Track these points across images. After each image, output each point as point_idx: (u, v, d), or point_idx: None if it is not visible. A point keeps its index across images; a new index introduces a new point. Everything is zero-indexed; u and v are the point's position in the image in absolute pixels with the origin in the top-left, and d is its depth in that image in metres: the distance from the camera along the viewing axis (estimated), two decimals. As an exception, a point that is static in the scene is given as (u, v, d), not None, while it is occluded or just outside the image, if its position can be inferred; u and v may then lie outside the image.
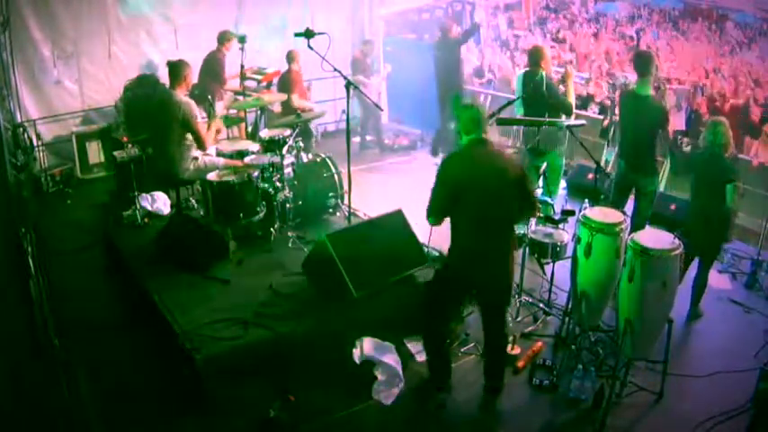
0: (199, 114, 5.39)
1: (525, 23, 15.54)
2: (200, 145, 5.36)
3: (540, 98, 5.68)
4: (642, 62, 5.18)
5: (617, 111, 5.78)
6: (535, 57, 5.88)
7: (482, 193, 3.59)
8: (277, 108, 7.55)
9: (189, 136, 5.32)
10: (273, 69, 7.84)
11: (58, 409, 3.35)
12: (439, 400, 3.98)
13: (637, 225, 5.46)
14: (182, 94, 5.30)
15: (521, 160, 5.79)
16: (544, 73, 5.77)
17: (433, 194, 3.70)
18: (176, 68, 5.31)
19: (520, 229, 4.81)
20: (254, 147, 5.87)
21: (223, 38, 7.44)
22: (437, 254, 4.86)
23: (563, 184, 7.43)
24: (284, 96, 7.15)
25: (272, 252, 5.25)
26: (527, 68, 5.99)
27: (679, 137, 7.72)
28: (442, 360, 4.09)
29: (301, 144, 5.98)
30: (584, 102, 9.16)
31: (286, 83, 7.38)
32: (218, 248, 5.10)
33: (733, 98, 8.69)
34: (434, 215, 3.72)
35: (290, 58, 7.42)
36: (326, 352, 4.13)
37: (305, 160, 5.93)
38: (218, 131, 5.71)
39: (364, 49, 8.82)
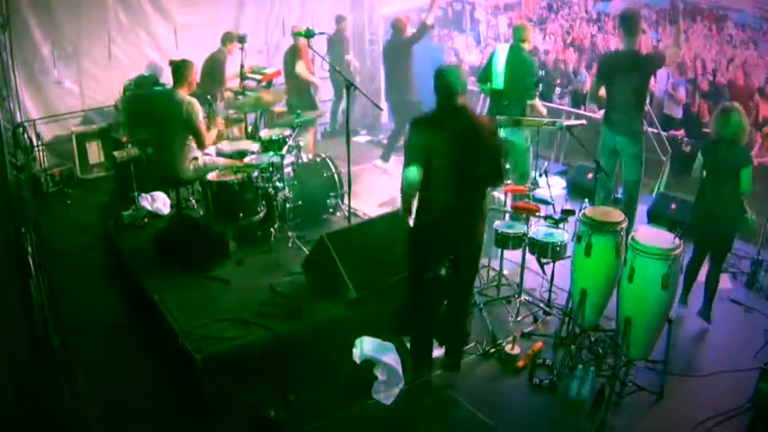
0: (201, 114, 5.39)
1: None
2: (201, 144, 5.37)
3: (521, 78, 5.79)
4: (629, 22, 5.20)
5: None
6: (520, 34, 5.93)
7: (452, 155, 3.58)
8: (278, 108, 7.57)
9: (190, 136, 5.32)
10: (273, 69, 7.85)
11: (58, 409, 3.35)
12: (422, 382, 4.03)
13: (626, 189, 5.48)
14: (184, 94, 5.29)
15: None
16: (528, 54, 5.90)
17: (407, 147, 3.69)
18: (180, 68, 5.30)
19: (519, 229, 4.82)
20: (254, 147, 5.87)
21: (226, 39, 7.47)
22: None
23: (562, 183, 7.44)
24: (283, 97, 7.19)
25: (272, 252, 5.25)
26: (511, 43, 6.02)
27: (678, 138, 7.73)
28: (426, 341, 4.09)
29: (301, 144, 5.98)
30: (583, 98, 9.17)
31: (295, 52, 7.42)
32: (218, 248, 5.10)
33: (736, 99, 8.65)
34: (411, 163, 3.61)
35: (295, 33, 7.44)
36: (326, 352, 4.13)
37: (305, 160, 5.93)
38: (219, 135, 5.73)
39: (339, 27, 8.65)
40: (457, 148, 3.59)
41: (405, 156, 3.69)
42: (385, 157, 7.72)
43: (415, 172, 3.58)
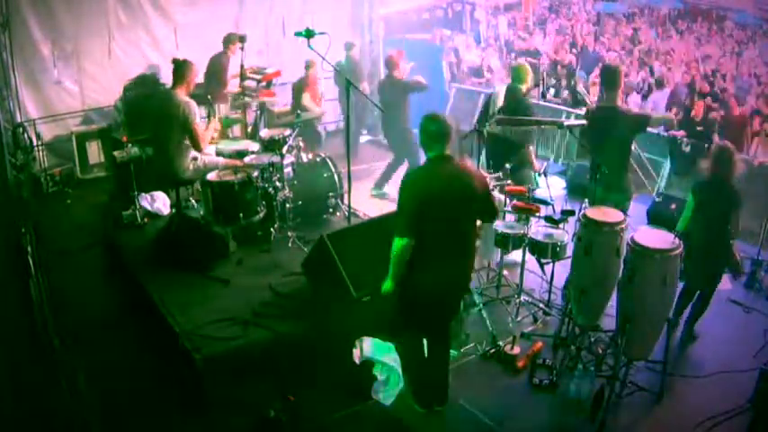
0: (199, 114, 5.39)
1: (525, 24, 15.55)
2: (196, 146, 5.32)
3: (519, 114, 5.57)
4: (610, 76, 5.02)
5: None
6: (519, 75, 5.75)
7: (449, 211, 3.46)
8: (278, 108, 7.57)
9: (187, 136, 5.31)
10: (273, 70, 7.85)
11: (58, 409, 3.35)
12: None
13: None
14: (182, 94, 5.29)
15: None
16: (525, 97, 5.74)
17: (403, 213, 3.47)
18: (180, 68, 5.29)
19: (519, 229, 4.83)
20: (254, 147, 5.88)
21: (228, 41, 7.48)
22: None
23: (562, 183, 7.44)
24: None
25: (272, 252, 5.25)
26: (509, 84, 5.83)
27: (678, 138, 7.74)
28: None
29: (301, 144, 5.99)
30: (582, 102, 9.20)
31: (300, 83, 7.62)
32: (218, 248, 5.10)
33: (735, 104, 8.64)
34: (409, 234, 3.44)
35: (308, 65, 7.62)
36: (326, 352, 4.13)
37: (305, 160, 5.93)
38: (215, 131, 5.71)
39: (348, 54, 8.63)
40: (449, 203, 3.47)
41: (399, 220, 3.49)
42: (380, 186, 7.46)
43: (409, 244, 3.44)
